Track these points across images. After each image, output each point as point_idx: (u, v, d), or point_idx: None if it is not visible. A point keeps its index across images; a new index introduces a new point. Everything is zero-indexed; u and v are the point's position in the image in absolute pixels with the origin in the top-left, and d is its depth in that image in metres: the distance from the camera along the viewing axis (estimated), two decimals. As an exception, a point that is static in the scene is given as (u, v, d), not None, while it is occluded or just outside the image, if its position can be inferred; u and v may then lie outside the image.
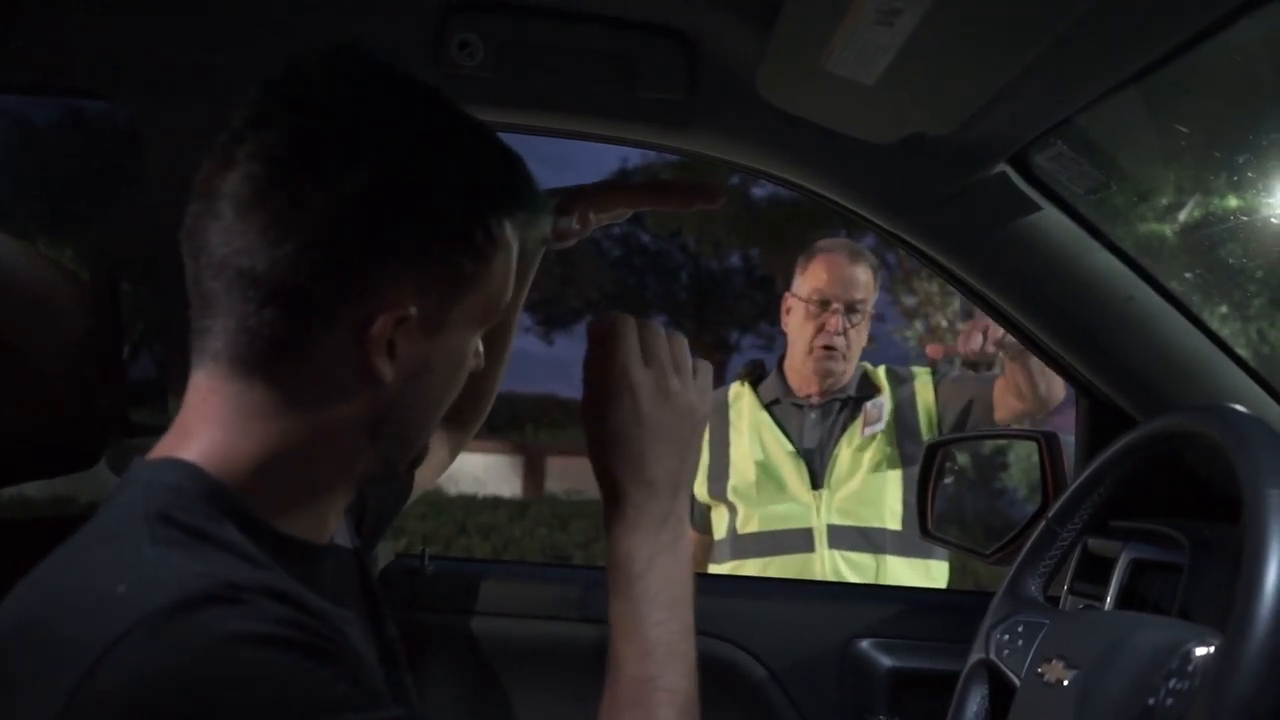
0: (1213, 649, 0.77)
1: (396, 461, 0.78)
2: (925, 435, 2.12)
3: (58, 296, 0.85)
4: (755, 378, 2.29)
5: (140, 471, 0.69)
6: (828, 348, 2.15)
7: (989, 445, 2.07)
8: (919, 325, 11.29)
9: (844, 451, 2.12)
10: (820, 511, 2.08)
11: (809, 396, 2.20)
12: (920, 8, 0.83)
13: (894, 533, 2.07)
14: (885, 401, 2.16)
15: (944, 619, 1.48)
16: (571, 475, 12.21)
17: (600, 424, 0.81)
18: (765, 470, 2.13)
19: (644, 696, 0.74)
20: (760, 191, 14.92)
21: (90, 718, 0.55)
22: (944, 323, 10.82)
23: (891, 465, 2.10)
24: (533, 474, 12.54)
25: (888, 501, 2.08)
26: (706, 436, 2.23)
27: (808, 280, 2.20)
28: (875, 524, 2.07)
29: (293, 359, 0.69)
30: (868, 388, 2.21)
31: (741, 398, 2.26)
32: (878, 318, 2.26)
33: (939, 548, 2.12)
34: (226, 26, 1.11)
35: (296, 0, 1.11)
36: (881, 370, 2.24)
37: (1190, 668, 0.77)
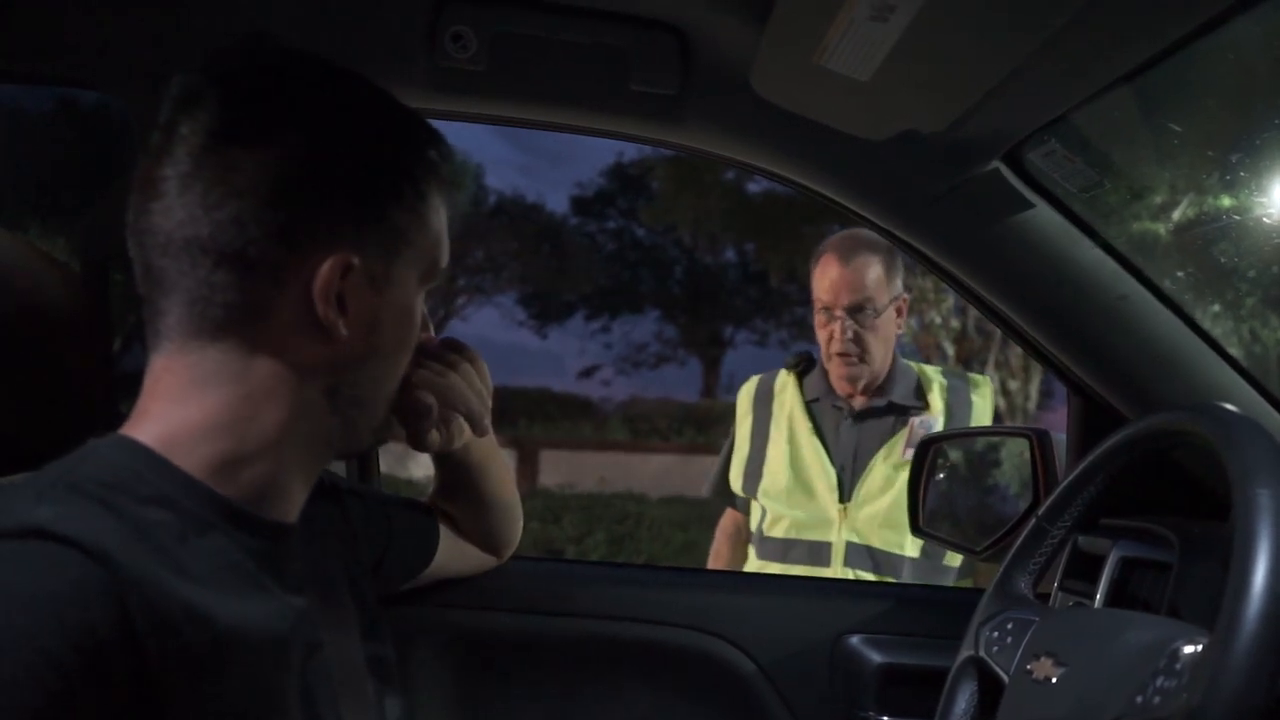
0: (1201, 647, 0.77)
1: (358, 426, 0.79)
2: None
3: (48, 287, 0.85)
4: (802, 370, 2.19)
5: (86, 446, 0.70)
6: (841, 354, 2.07)
7: (981, 442, 2.05)
8: (913, 321, 11.27)
9: (879, 467, 2.03)
10: (842, 528, 2.01)
11: (850, 397, 2.12)
12: (915, 3, 0.83)
13: (912, 560, 2.00)
14: (936, 424, 2.04)
15: (934, 615, 1.48)
16: (565, 469, 12.20)
17: None
18: (796, 475, 2.07)
19: None
20: (755, 186, 14.96)
21: None
22: (938, 319, 10.81)
23: None
24: (526, 468, 12.51)
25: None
26: (748, 427, 2.17)
27: (814, 287, 2.13)
28: (895, 550, 1.99)
29: (247, 321, 0.71)
30: (920, 398, 2.11)
31: (786, 389, 2.18)
32: (901, 304, 2.12)
33: (950, 578, 2.05)
34: (219, 17, 1.11)
35: None
36: (937, 382, 2.13)
37: (1178, 666, 0.77)
